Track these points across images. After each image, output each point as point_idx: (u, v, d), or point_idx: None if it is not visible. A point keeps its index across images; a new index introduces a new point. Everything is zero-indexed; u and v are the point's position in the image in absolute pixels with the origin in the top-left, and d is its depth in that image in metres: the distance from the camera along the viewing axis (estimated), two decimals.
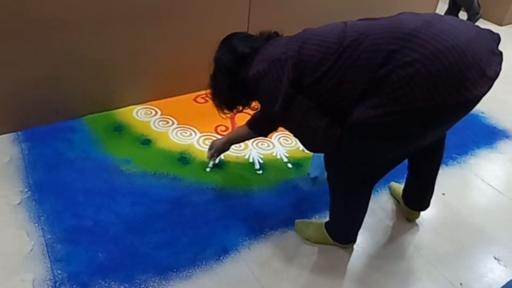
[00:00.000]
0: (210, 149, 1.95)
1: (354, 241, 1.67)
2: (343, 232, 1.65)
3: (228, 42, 1.46)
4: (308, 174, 1.99)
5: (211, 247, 1.65)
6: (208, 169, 2.01)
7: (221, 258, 1.61)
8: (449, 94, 1.11)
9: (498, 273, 1.65)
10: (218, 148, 1.92)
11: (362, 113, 1.19)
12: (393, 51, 1.12)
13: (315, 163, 1.92)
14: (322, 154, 1.47)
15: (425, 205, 1.79)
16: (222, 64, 1.44)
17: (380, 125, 1.19)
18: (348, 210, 1.55)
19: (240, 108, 1.54)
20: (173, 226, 1.71)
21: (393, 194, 1.95)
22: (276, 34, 1.45)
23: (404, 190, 1.82)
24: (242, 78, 1.38)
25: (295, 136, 1.43)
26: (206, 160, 2.01)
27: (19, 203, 1.73)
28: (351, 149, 1.31)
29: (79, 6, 1.95)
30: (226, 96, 1.49)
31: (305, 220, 1.77)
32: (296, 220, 1.76)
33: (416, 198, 1.79)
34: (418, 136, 1.26)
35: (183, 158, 2.06)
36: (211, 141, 2.16)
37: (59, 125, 2.17)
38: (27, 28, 1.89)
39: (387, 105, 1.15)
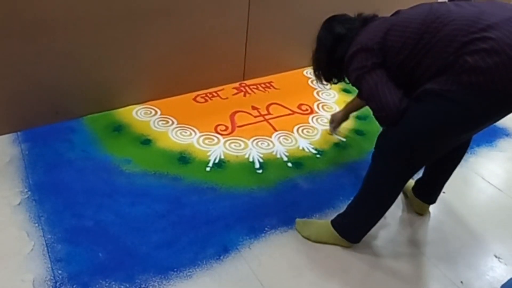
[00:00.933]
0: (331, 122, 2.30)
1: (359, 241, 1.68)
2: (357, 229, 1.65)
3: (329, 23, 1.65)
4: None
5: (212, 247, 1.64)
6: (208, 169, 2.01)
7: (222, 257, 1.61)
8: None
9: (498, 271, 1.65)
10: (340, 120, 2.25)
11: (432, 85, 1.29)
12: (466, 43, 1.22)
13: None
14: None
15: (435, 199, 1.84)
16: (321, 42, 1.65)
17: (446, 96, 1.26)
18: (374, 204, 1.57)
19: (335, 80, 1.74)
20: (174, 226, 1.71)
21: None
22: (372, 16, 1.57)
23: (419, 181, 1.85)
24: (338, 56, 1.55)
25: (368, 102, 1.48)
26: (329, 132, 2.34)
27: (19, 204, 1.73)
28: (411, 118, 1.36)
29: (78, 6, 1.95)
30: (324, 70, 1.71)
31: (306, 219, 1.77)
32: (297, 219, 1.76)
33: (431, 191, 1.83)
34: (475, 120, 1.31)
35: (183, 158, 2.06)
36: (210, 141, 2.18)
37: (59, 125, 2.17)
38: (26, 28, 1.89)
39: (453, 82, 1.24)
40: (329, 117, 2.46)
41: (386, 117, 1.40)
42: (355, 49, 1.46)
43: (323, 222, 1.72)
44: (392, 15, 1.50)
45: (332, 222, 1.68)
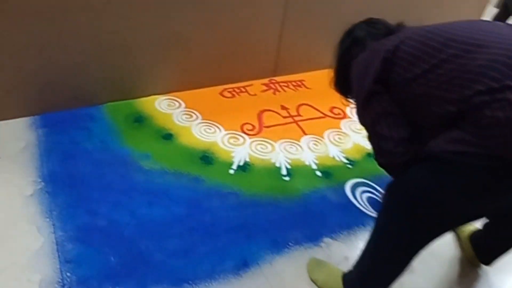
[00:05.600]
0: None
1: None
2: None
3: (354, 25, 1.40)
4: None
5: (231, 259, 1.52)
6: (231, 171, 1.89)
7: (241, 272, 1.49)
8: None
9: None
10: None
11: (438, 144, 1.00)
12: (504, 85, 0.91)
13: None
14: None
15: (491, 261, 1.53)
16: (339, 45, 1.41)
17: (454, 164, 0.98)
18: (378, 266, 1.27)
19: (349, 96, 1.43)
20: (191, 232, 1.59)
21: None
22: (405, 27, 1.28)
23: (477, 235, 1.55)
24: (347, 60, 1.31)
25: (369, 141, 1.25)
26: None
27: (31, 195, 1.64)
28: (416, 182, 1.07)
29: None
30: (337, 80, 1.44)
31: (321, 260, 1.54)
32: (312, 257, 1.56)
33: (490, 249, 1.50)
34: (498, 195, 1.02)
35: (206, 157, 1.94)
36: (236, 140, 2.04)
37: (78, 111, 2.07)
38: (51, 8, 1.78)
39: (470, 144, 0.94)
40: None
41: (383, 165, 1.19)
42: (362, 55, 1.21)
43: (335, 270, 1.47)
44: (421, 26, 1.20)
45: (345, 276, 1.41)
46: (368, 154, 2.11)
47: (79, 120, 2.02)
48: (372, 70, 1.12)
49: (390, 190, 1.17)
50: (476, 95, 0.93)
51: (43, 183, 1.69)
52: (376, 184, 1.94)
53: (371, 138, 1.18)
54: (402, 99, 1.10)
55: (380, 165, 1.20)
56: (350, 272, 1.41)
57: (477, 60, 0.96)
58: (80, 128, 1.97)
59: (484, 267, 1.58)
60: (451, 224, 1.12)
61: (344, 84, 1.39)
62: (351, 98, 1.44)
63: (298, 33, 2.46)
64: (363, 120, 1.19)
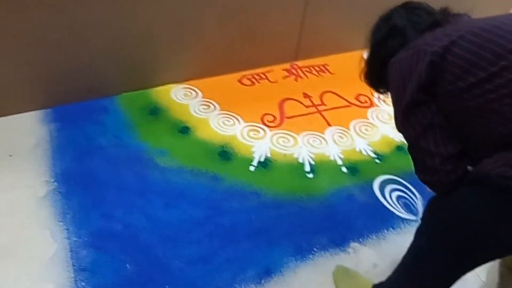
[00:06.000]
0: None
1: None
2: None
3: (393, 10, 1.18)
4: None
5: (252, 267, 1.44)
6: (252, 168, 1.78)
7: (263, 281, 1.41)
8: None
9: None
10: None
11: (497, 167, 0.86)
12: None
13: None
14: None
15: None
16: (373, 33, 1.19)
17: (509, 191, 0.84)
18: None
19: (382, 90, 1.25)
20: (211, 237, 1.51)
21: None
22: (459, 15, 1.09)
23: None
24: (384, 53, 1.12)
25: (409, 154, 1.07)
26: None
27: (44, 196, 1.57)
28: (460, 206, 0.94)
29: None
30: (369, 72, 1.23)
31: (349, 268, 1.46)
32: (339, 265, 1.47)
33: None
34: None
35: (225, 153, 1.83)
36: (256, 133, 1.93)
37: (91, 103, 1.97)
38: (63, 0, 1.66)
39: None
40: (390, 112, 2.16)
41: (427, 182, 1.01)
42: (404, 54, 1.03)
43: (364, 282, 1.38)
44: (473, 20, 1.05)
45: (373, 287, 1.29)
46: (398, 148, 1.97)
47: (93, 113, 1.93)
48: (416, 75, 0.97)
49: (432, 209, 1.05)
50: None
51: (56, 184, 1.62)
52: (407, 182, 1.81)
53: (413, 151, 1.04)
54: (451, 111, 0.96)
55: (422, 181, 1.06)
56: (380, 285, 1.31)
57: None
58: (93, 122, 1.88)
59: None
60: (498, 254, 0.99)
61: (376, 79, 1.22)
62: (383, 93, 1.28)
63: (322, 13, 2.28)
64: (404, 130, 1.04)
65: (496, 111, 0.87)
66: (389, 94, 1.24)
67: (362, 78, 1.26)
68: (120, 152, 1.77)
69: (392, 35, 1.12)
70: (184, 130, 1.91)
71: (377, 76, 1.20)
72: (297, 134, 1.97)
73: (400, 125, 1.04)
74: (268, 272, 1.43)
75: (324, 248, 1.53)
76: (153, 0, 1.83)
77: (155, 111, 1.98)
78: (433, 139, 0.96)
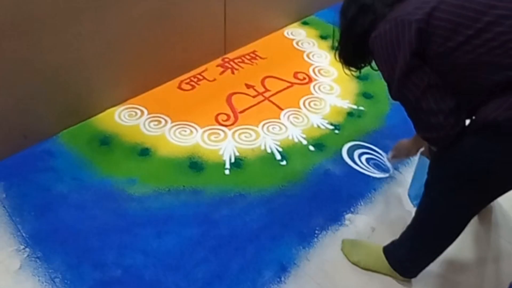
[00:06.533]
0: (394, 149, 1.68)
1: (415, 276, 1.40)
2: (412, 264, 1.36)
3: None
4: (409, 194, 1.65)
5: (267, 268, 1.43)
6: (227, 172, 1.75)
7: (283, 278, 1.41)
8: None
9: None
10: (406, 150, 1.62)
11: (502, 113, 0.94)
12: None
13: (418, 184, 1.48)
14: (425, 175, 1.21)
15: None
16: (343, 14, 1.23)
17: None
18: (432, 239, 1.26)
19: (361, 65, 1.30)
20: (215, 252, 1.47)
21: None
22: None
23: None
24: (358, 30, 1.17)
25: (410, 117, 1.13)
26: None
27: (20, 267, 1.39)
28: (472, 154, 1.03)
29: (28, 4, 1.51)
30: (343, 51, 1.28)
31: (355, 240, 1.52)
32: (344, 240, 1.52)
33: None
34: None
35: (195, 164, 1.77)
36: (217, 136, 1.90)
37: (32, 150, 1.76)
38: None
39: None
40: (330, 83, 2.25)
41: (434, 139, 1.09)
42: (386, 27, 1.07)
43: (374, 247, 1.44)
44: None
45: (385, 249, 1.40)
46: (349, 114, 2.07)
47: (38, 160, 1.72)
48: (405, 44, 1.02)
49: (441, 162, 1.14)
50: None
51: (28, 249, 1.43)
52: (369, 143, 1.91)
53: (415, 115, 1.09)
54: (444, 70, 1.03)
55: (428, 140, 1.13)
56: (393, 246, 1.39)
57: None
58: (43, 170, 1.68)
59: None
60: (507, 189, 1.11)
61: (353, 56, 1.27)
62: (361, 68, 1.33)
63: (242, 1, 2.27)
64: (402, 96, 1.09)
65: (488, 62, 0.95)
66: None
67: (337, 57, 1.29)
68: (86, 195, 1.61)
69: (363, 12, 1.16)
70: (144, 152, 1.80)
71: (353, 53, 1.24)
72: (256, 126, 1.97)
73: (398, 93, 1.09)
74: (283, 268, 1.44)
75: (324, 228, 1.57)
76: (72, 27, 1.67)
77: (105, 141, 1.83)
78: (433, 99, 1.02)
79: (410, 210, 1.60)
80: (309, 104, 2.12)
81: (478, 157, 1.02)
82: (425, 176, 1.22)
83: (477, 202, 1.14)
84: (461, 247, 1.50)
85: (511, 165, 1.00)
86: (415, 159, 1.59)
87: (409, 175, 1.68)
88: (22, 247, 1.44)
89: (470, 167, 1.04)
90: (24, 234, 1.48)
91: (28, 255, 1.42)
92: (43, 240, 1.46)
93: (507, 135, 0.95)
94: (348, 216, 1.62)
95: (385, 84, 1.15)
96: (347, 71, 1.35)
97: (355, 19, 1.18)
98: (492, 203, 1.64)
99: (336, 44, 1.28)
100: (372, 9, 1.14)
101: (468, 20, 0.96)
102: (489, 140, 0.99)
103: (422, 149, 1.52)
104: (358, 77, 2.19)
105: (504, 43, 0.92)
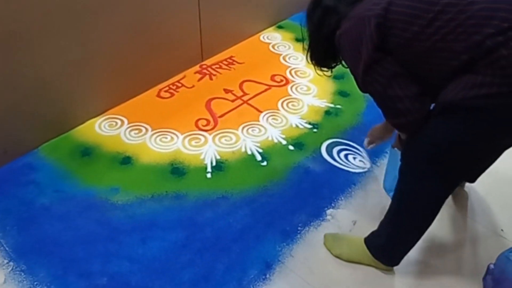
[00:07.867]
0: (369, 136, 1.74)
1: (396, 264, 1.44)
2: (392, 251, 1.40)
3: None
4: (384, 187, 1.70)
5: (252, 267, 1.46)
6: (209, 175, 1.77)
7: (268, 275, 1.44)
8: None
9: None
10: (379, 134, 1.68)
11: (458, 93, 1.00)
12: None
13: (391, 176, 1.56)
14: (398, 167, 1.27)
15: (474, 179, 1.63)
16: (309, 19, 1.31)
17: (480, 109, 1.00)
18: (410, 224, 1.31)
19: (333, 64, 1.38)
20: (201, 254, 1.48)
21: None
22: None
23: None
24: (325, 32, 1.24)
25: (379, 106, 1.19)
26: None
27: (4, 281, 1.39)
28: (437, 136, 1.09)
29: (5, 19, 1.52)
30: (314, 53, 1.35)
31: (337, 233, 1.55)
32: (326, 234, 1.55)
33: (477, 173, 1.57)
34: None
35: (176, 169, 1.79)
36: (197, 141, 1.92)
37: (12, 165, 1.76)
38: None
39: (492, 85, 0.96)
40: (306, 83, 2.30)
41: (403, 125, 1.15)
42: (347, 25, 1.15)
43: (355, 239, 1.48)
44: None
45: (366, 240, 1.44)
46: (326, 112, 2.11)
47: (19, 175, 1.72)
48: (367, 39, 1.08)
49: (411, 147, 1.20)
50: (488, 38, 0.95)
51: (12, 263, 1.43)
52: (346, 139, 1.96)
53: (383, 103, 1.15)
54: (406, 60, 1.09)
55: (397, 126, 1.19)
56: (373, 236, 1.43)
57: (476, 5, 0.98)
58: (25, 184, 1.68)
59: None
60: (478, 164, 1.17)
61: (324, 56, 1.34)
62: (333, 67, 1.41)
63: (216, 9, 2.31)
64: (370, 88, 1.15)
65: (443, 49, 1.02)
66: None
67: (308, 60, 1.35)
68: (68, 206, 1.62)
69: (327, 14, 1.23)
70: (126, 160, 1.82)
71: (324, 54, 1.30)
72: (235, 129, 2.00)
73: (364, 85, 1.16)
74: (268, 266, 1.46)
75: (306, 224, 1.60)
76: (47, 40, 1.68)
77: (86, 152, 1.84)
78: (398, 86, 1.09)
79: (389, 201, 1.63)
80: (287, 105, 2.16)
81: (443, 138, 1.08)
82: (398, 167, 1.27)
83: (449, 182, 1.20)
84: (440, 233, 1.56)
85: (474, 142, 1.06)
86: (392, 153, 1.64)
87: None
88: (6, 261, 1.44)
89: (438, 148, 1.10)
90: (7, 249, 1.48)
91: (12, 269, 1.42)
92: (27, 253, 1.46)
93: (466, 113, 1.02)
94: (329, 211, 1.65)
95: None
96: (319, 72, 1.41)
97: (321, 21, 1.25)
98: (467, 189, 1.71)
99: (306, 47, 1.34)
100: (336, 10, 1.21)
101: (421, 11, 1.03)
102: (451, 120, 1.05)
103: (393, 143, 1.57)
104: (334, 77, 2.26)
105: (454, 28, 0.99)
